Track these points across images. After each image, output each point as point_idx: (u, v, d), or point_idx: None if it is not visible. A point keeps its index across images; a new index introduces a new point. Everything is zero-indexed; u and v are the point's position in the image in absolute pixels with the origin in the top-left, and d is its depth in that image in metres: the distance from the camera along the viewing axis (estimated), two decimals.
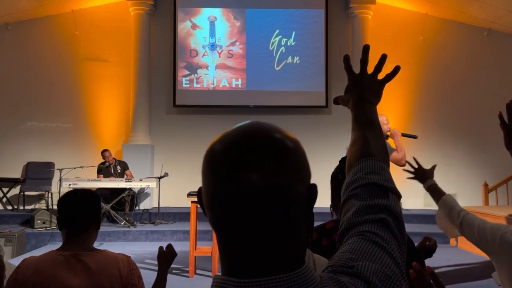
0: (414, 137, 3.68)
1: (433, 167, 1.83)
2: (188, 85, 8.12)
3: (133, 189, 7.06)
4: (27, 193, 7.63)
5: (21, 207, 7.54)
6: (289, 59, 8.13)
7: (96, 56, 8.18)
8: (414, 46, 8.25)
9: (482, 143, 7.83)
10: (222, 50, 8.15)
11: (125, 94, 8.07)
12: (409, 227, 5.89)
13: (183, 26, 8.17)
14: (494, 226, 1.45)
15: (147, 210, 7.52)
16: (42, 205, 7.79)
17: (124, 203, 6.84)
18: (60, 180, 6.28)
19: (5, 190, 7.72)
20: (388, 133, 3.35)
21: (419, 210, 7.27)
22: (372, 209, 0.68)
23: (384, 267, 0.60)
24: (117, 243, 6.21)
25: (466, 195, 7.34)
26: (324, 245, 1.46)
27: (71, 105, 8.10)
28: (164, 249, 1.85)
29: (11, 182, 7.75)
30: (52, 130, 8.07)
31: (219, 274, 0.59)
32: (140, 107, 7.91)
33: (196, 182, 6.27)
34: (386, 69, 0.87)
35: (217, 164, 0.58)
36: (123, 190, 6.68)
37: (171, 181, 7.29)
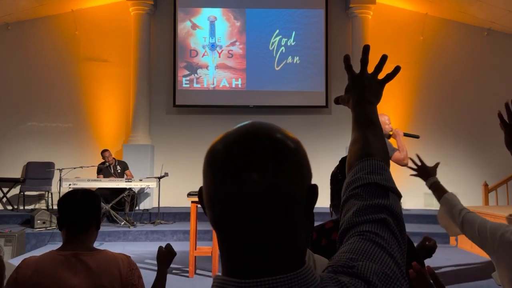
0: (417, 137, 3.68)
1: (436, 165, 1.83)
2: (188, 85, 8.12)
3: (133, 189, 7.06)
4: (27, 193, 7.63)
5: (21, 207, 7.54)
6: (289, 59, 8.12)
7: (96, 56, 8.18)
8: (414, 46, 8.25)
9: (482, 143, 7.83)
10: (222, 50, 8.15)
11: (125, 94, 8.07)
12: (409, 227, 5.90)
13: (183, 26, 8.17)
14: (494, 225, 1.45)
15: (147, 210, 7.52)
16: (42, 205, 7.79)
17: (124, 203, 6.84)
18: (60, 180, 6.29)
19: (5, 190, 7.72)
20: (390, 133, 3.35)
21: (419, 210, 7.28)
22: (372, 209, 0.68)
23: (384, 267, 0.60)
24: (117, 243, 6.21)
25: (466, 195, 7.31)
26: (323, 245, 1.47)
27: (71, 105, 8.11)
28: (164, 249, 1.85)
29: (11, 182, 7.75)
30: (52, 130, 8.07)
31: (219, 274, 0.59)
32: (140, 107, 7.91)
33: (196, 182, 6.26)
34: (386, 69, 0.87)
35: (218, 163, 0.58)
36: (123, 190, 6.68)
37: (171, 181, 7.29)
